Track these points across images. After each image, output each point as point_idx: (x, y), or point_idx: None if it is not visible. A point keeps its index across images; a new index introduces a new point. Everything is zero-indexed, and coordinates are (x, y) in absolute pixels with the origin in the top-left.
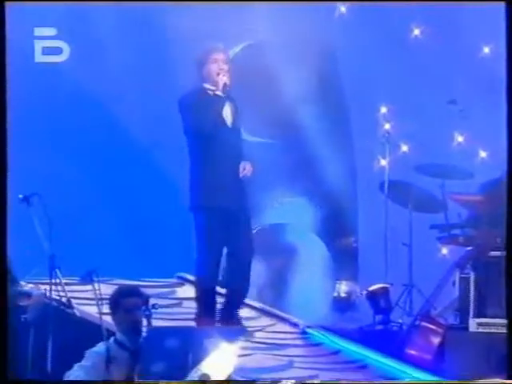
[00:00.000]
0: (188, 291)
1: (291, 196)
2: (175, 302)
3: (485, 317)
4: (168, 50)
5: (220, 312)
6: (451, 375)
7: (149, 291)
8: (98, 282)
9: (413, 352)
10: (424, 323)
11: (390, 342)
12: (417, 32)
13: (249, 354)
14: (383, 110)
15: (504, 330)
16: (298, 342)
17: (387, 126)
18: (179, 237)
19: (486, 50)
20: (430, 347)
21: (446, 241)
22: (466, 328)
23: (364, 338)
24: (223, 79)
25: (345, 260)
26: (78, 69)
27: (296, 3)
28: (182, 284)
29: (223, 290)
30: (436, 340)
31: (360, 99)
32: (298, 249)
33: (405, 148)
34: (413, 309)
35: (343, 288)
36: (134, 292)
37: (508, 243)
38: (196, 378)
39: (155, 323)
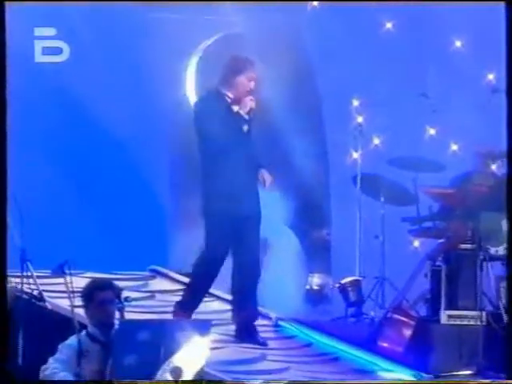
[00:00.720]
0: (160, 284)
1: (263, 189)
2: (147, 294)
3: (456, 309)
4: (150, 45)
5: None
6: (422, 367)
7: (121, 284)
8: (70, 274)
9: (384, 344)
10: (395, 315)
11: (361, 334)
12: (389, 25)
13: (221, 347)
14: (355, 103)
15: (474, 322)
16: (270, 334)
17: (359, 119)
18: (152, 230)
19: (458, 43)
20: (401, 339)
21: (418, 233)
22: (438, 320)
23: (336, 330)
24: (251, 103)
25: (317, 253)
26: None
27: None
28: (155, 277)
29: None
30: (407, 332)
31: (332, 92)
32: (271, 241)
33: (377, 141)
34: (385, 301)
35: (316, 281)
36: (106, 285)
37: (508, 242)
38: (168, 371)
39: (127, 316)
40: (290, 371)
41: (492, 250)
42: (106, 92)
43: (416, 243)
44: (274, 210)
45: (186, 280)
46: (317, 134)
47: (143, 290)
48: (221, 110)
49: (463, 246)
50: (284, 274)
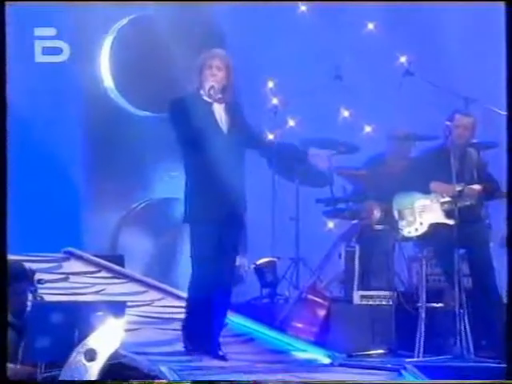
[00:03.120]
0: (75, 266)
1: (180, 170)
2: (62, 276)
3: (368, 289)
4: None
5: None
6: (336, 347)
7: (34, 266)
8: None
9: (299, 325)
10: (309, 296)
11: (276, 315)
12: (303, 8)
13: (136, 329)
14: (270, 84)
15: (386, 302)
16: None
17: (275, 101)
18: (66, 212)
19: (371, 26)
20: (315, 320)
21: (332, 215)
22: (351, 300)
23: (251, 311)
24: (210, 83)
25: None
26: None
27: None
28: (69, 259)
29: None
30: (321, 312)
31: (247, 74)
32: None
33: (292, 122)
34: (299, 282)
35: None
36: (20, 275)
37: (509, 241)
38: (82, 353)
39: (41, 298)
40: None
41: (404, 231)
42: (17, 74)
43: (330, 224)
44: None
45: (101, 262)
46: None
47: (57, 271)
48: (193, 110)
49: (376, 227)
50: None
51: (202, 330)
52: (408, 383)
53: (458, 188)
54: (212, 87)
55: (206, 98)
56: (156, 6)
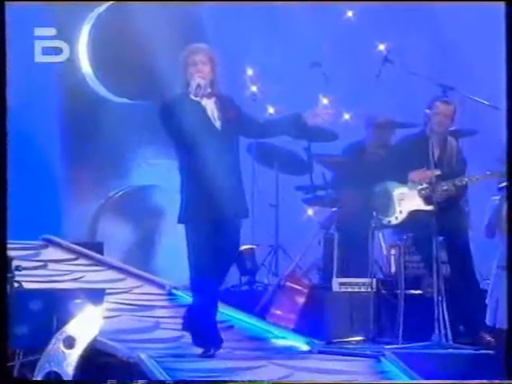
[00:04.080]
0: (53, 253)
1: (159, 158)
2: (40, 264)
3: (347, 276)
4: None
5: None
6: (315, 335)
7: (12, 253)
8: None
9: (278, 312)
10: (289, 283)
11: (255, 302)
12: None
13: (115, 316)
14: (249, 72)
15: (365, 289)
16: (164, 303)
17: (254, 89)
18: (44, 199)
19: (350, 13)
20: (294, 307)
21: (312, 202)
22: (330, 287)
23: (230, 298)
24: (196, 81)
25: None
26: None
27: None
28: (47, 246)
29: None
30: (300, 300)
31: (226, 61)
32: (166, 211)
33: (271, 110)
34: (278, 269)
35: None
36: None
37: (509, 240)
38: (61, 340)
39: (19, 285)
40: (184, 339)
41: (384, 219)
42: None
43: (310, 212)
44: (169, 179)
45: (80, 249)
46: None
47: (35, 259)
48: (182, 109)
49: (356, 214)
50: (178, 243)
51: (205, 323)
52: (408, 383)
53: (437, 172)
54: (198, 85)
55: (193, 97)
56: None
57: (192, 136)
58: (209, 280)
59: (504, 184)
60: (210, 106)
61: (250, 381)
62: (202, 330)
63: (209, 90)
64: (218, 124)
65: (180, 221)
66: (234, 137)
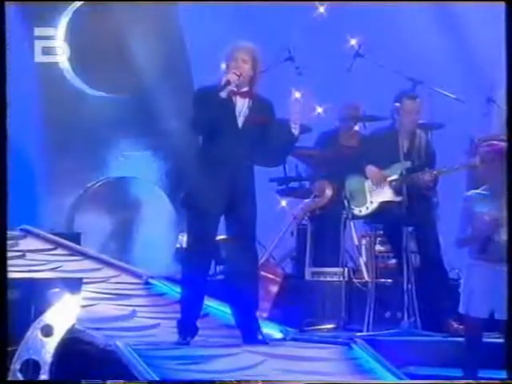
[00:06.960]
0: (31, 243)
1: (136, 150)
2: (18, 253)
3: (320, 266)
4: None
5: None
6: (288, 323)
7: None
8: None
9: None
10: (262, 272)
11: (229, 291)
12: None
13: (92, 305)
14: (223, 66)
15: (336, 279)
16: (141, 292)
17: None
18: (22, 189)
19: (321, 9)
20: (268, 295)
21: (285, 193)
22: (302, 277)
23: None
24: (228, 76)
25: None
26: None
27: None
28: (25, 236)
29: None
30: (274, 288)
31: (202, 57)
32: (143, 202)
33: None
34: None
35: (186, 239)
36: None
37: (509, 241)
38: (39, 329)
39: None
40: (160, 327)
41: (355, 210)
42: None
43: (283, 203)
44: (146, 171)
45: (57, 239)
46: (187, 96)
47: (14, 249)
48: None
49: (328, 205)
50: (155, 234)
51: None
52: (408, 383)
53: (407, 165)
54: (228, 81)
55: (225, 92)
56: None
57: (210, 127)
58: (198, 269)
59: (470, 192)
60: (241, 104)
61: (245, 380)
62: (184, 319)
63: (245, 89)
64: (240, 123)
65: (183, 205)
66: (251, 139)
